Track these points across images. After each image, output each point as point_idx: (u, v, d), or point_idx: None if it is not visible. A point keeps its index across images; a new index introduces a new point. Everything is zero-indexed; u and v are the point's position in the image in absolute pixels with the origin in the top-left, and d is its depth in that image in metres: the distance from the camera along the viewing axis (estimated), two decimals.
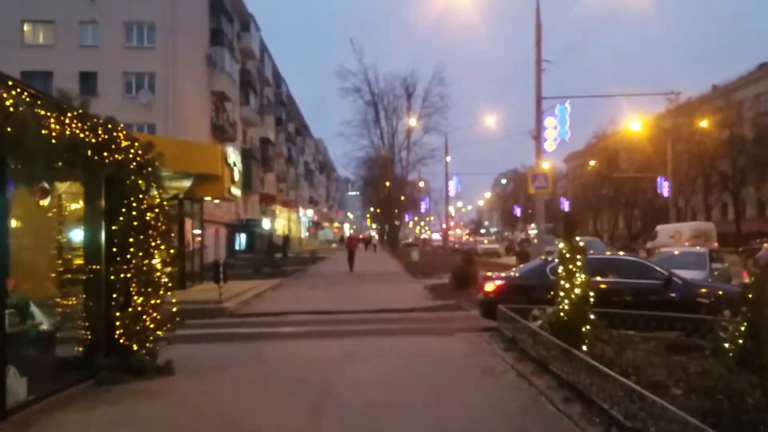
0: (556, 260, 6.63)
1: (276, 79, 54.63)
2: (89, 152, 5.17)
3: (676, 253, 14.19)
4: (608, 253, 15.35)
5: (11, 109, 4.18)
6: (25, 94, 4.60)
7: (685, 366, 5.16)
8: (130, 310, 5.88)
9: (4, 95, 4.22)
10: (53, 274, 6.14)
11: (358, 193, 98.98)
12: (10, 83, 4.50)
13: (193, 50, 31.58)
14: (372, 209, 78.78)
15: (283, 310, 11.82)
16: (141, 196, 5.90)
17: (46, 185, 5.44)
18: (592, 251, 8.44)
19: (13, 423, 4.56)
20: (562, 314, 6.26)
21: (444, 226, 44.84)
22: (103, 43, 29.65)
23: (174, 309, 6.35)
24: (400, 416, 4.89)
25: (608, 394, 4.49)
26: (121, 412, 5.02)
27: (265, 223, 44.80)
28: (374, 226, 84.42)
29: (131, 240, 5.81)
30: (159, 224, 6.04)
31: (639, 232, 50.14)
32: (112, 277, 5.84)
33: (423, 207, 56.00)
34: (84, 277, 5.93)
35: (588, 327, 6.14)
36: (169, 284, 6.25)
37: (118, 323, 5.88)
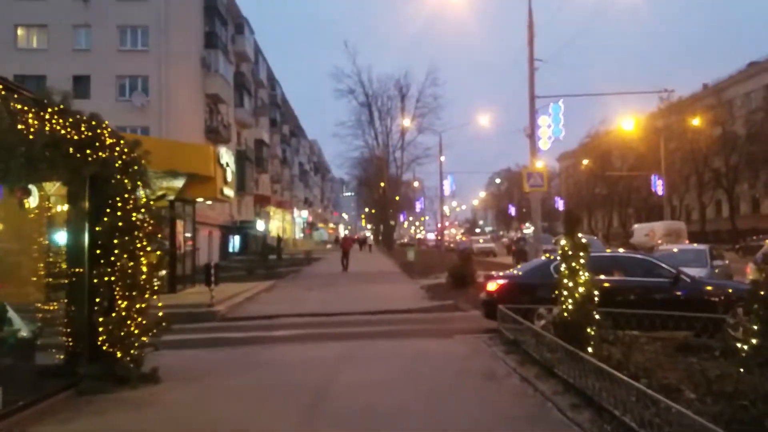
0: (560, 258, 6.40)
1: (270, 81, 54.39)
2: (71, 150, 4.89)
3: (675, 250, 14.00)
4: (608, 251, 15.12)
5: None
6: (0, 87, 4.33)
7: (697, 368, 4.94)
8: (113, 315, 5.59)
9: None
10: (34, 278, 5.86)
11: (352, 193, 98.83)
12: None
13: (188, 53, 31.31)
14: (367, 209, 78.61)
15: (276, 313, 11.54)
16: (126, 195, 5.62)
17: (29, 185, 5.18)
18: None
19: None
20: (565, 314, 6.05)
21: (439, 225, 44.71)
22: (96, 46, 29.41)
23: (160, 314, 6.07)
24: (398, 423, 4.65)
25: (619, 400, 4.26)
26: (103, 424, 4.74)
27: (260, 225, 44.44)
28: (369, 226, 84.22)
29: (116, 242, 5.53)
30: (145, 225, 5.76)
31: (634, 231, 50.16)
32: (96, 281, 5.56)
33: (418, 207, 55.83)
34: (66, 281, 5.65)
35: (593, 327, 5.93)
36: (156, 288, 5.96)
37: (101, 329, 5.60)
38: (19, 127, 4.16)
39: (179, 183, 12.27)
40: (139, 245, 5.70)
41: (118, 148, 5.53)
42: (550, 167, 66.91)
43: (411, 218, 75.19)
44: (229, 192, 15.38)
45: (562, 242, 6.21)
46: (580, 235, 6.35)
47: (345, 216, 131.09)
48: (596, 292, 6.03)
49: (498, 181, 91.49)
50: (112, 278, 5.57)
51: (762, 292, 4.78)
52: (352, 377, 6.13)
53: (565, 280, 6.07)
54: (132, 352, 5.82)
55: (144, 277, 5.79)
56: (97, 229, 5.53)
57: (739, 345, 4.66)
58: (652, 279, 8.19)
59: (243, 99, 40.96)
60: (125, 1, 29.86)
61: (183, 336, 9.01)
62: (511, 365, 6.36)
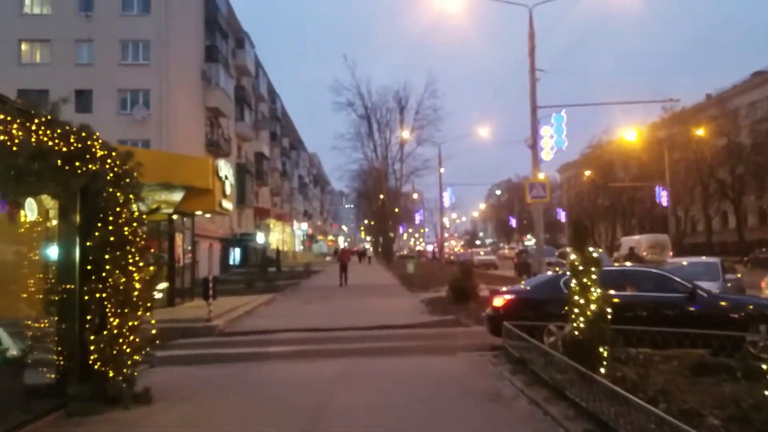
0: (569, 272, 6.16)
1: (270, 94, 54.63)
2: (59, 162, 4.71)
3: (685, 263, 13.61)
4: (616, 264, 14.76)
5: None
6: None
7: (720, 390, 4.67)
8: (105, 333, 5.37)
9: None
10: (24, 295, 5.65)
11: (352, 205, 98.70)
12: None
13: (188, 67, 31.45)
14: (366, 221, 78.40)
15: (274, 328, 11.25)
16: (118, 209, 5.43)
17: (23, 199, 4.99)
18: None
19: None
20: (576, 332, 5.80)
21: (439, 237, 44.46)
22: (98, 60, 29.52)
23: (153, 331, 5.84)
24: None
25: (637, 426, 4.01)
26: None
27: (260, 237, 44.24)
28: (368, 238, 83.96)
29: (107, 257, 5.33)
30: (138, 239, 5.56)
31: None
32: (87, 297, 5.35)
33: (417, 218, 55.63)
34: (56, 297, 5.44)
35: (606, 347, 5.68)
36: (149, 304, 5.74)
37: (92, 347, 5.37)
38: (2, 138, 3.97)
39: (178, 196, 12.10)
40: (131, 260, 5.49)
41: (109, 161, 5.36)
42: (551, 178, 66.74)
43: (410, 230, 74.93)
44: (228, 205, 15.18)
45: (572, 256, 5.97)
46: (591, 249, 6.12)
47: (344, 228, 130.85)
48: (609, 309, 5.79)
49: (498, 192, 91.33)
50: (104, 294, 5.36)
51: None
52: (350, 398, 5.88)
53: (576, 297, 5.83)
54: (124, 371, 5.59)
55: (137, 293, 5.58)
56: (88, 243, 5.33)
57: (765, 366, 4.40)
58: (666, 294, 7.86)
59: (243, 112, 41.08)
60: (127, 16, 30.03)
61: (179, 351, 8.80)
62: (518, 386, 6.09)
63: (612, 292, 7.03)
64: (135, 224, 5.57)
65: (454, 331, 10.59)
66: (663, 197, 38.67)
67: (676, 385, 5.28)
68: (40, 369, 5.60)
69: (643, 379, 5.39)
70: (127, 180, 5.52)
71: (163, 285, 13.33)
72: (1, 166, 4.07)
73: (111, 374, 5.44)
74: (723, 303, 7.88)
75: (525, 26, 16.69)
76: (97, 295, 5.34)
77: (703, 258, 15.88)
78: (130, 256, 5.49)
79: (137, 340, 5.68)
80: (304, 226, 76.69)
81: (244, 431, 4.90)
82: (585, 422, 4.74)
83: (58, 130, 4.66)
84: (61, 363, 5.43)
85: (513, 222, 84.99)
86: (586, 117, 42.21)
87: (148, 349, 5.78)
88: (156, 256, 13.19)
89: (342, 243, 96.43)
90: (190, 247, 14.88)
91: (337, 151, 62.69)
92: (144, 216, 5.80)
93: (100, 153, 5.22)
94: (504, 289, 9.35)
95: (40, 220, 5.62)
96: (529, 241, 72.65)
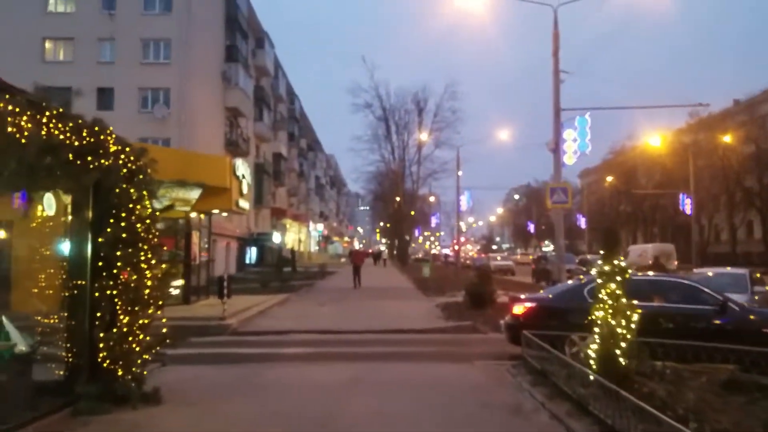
0: (597, 281, 5.87)
1: (289, 95, 54.93)
2: (71, 156, 4.62)
3: (710, 274, 13.05)
4: (640, 274, 14.26)
5: None
6: None
7: (752, 409, 4.37)
8: (115, 330, 5.27)
9: None
10: (35, 290, 5.60)
11: (367, 207, 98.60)
12: None
13: (208, 66, 31.71)
14: (381, 224, 78.20)
15: (287, 329, 11.16)
16: (131, 205, 5.33)
17: (31, 194, 4.93)
18: None
19: None
20: (602, 344, 5.52)
21: (454, 241, 44.08)
22: (120, 59, 29.94)
23: (164, 330, 5.73)
24: None
25: None
26: None
27: (276, 237, 44.42)
28: (384, 240, 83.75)
29: (119, 253, 5.24)
30: (150, 237, 5.46)
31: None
32: (97, 294, 5.26)
33: (433, 222, 55.27)
34: (66, 293, 5.37)
35: (634, 360, 5.40)
36: (161, 302, 5.63)
37: (101, 345, 5.27)
38: (10, 129, 3.87)
39: (195, 194, 12.09)
40: (143, 257, 5.39)
41: (123, 156, 5.26)
42: (572, 184, 65.77)
43: (427, 233, 74.53)
44: (244, 204, 15.18)
45: (599, 262, 5.70)
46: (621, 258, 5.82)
47: (360, 230, 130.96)
48: (636, 320, 5.51)
49: (517, 197, 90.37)
50: (114, 291, 5.26)
51: None
52: (362, 406, 5.67)
53: (603, 306, 5.55)
54: (134, 369, 5.48)
55: (148, 290, 5.47)
56: (99, 240, 5.24)
57: None
58: (695, 306, 7.49)
59: (262, 113, 41.31)
60: (148, 15, 30.40)
61: (192, 350, 8.73)
62: (538, 399, 5.82)
63: (638, 302, 6.73)
64: (148, 221, 5.47)
65: (471, 338, 10.34)
66: (687, 205, 37.69)
67: (708, 403, 4.99)
68: (49, 365, 5.52)
69: (673, 395, 5.11)
70: (141, 176, 5.43)
71: (178, 282, 13.38)
72: (11, 160, 3.99)
73: (120, 373, 5.35)
74: (755, 317, 7.51)
75: (548, 27, 16.42)
76: (108, 292, 5.25)
77: (728, 269, 15.27)
78: (142, 254, 5.39)
79: (148, 338, 5.58)
80: (320, 227, 76.90)
81: None
82: None
83: (70, 124, 4.57)
84: (70, 360, 5.35)
85: (531, 227, 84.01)
86: (607, 122, 41.50)
87: (158, 348, 5.66)
88: (172, 254, 13.30)
89: (357, 245, 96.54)
90: (206, 245, 14.87)
91: (353, 152, 62.96)
92: (157, 213, 5.69)
93: (113, 148, 5.13)
94: (524, 296, 9.04)
95: (53, 215, 5.57)
96: (547, 247, 71.73)
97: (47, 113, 4.32)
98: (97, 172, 4.95)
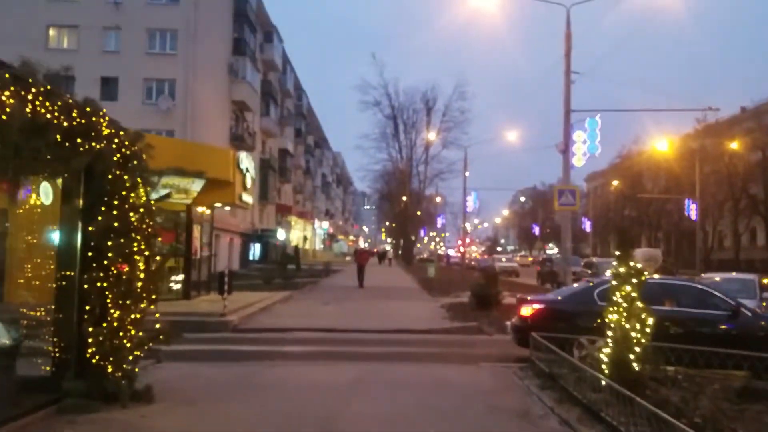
0: (609, 283, 5.63)
1: (297, 91, 54.66)
2: (59, 137, 4.36)
3: (718, 279, 12.85)
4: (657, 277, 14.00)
5: None
6: None
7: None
8: (105, 325, 5.03)
9: None
10: (21, 280, 5.36)
11: (373, 207, 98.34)
12: None
13: (215, 59, 31.46)
14: (387, 223, 77.93)
15: (289, 327, 10.91)
16: (124, 193, 5.08)
17: (17, 178, 4.68)
18: None
19: None
20: (615, 348, 5.25)
21: (460, 242, 43.73)
22: (125, 48, 29.77)
23: (158, 325, 5.48)
24: None
25: None
26: None
27: (281, 234, 44.23)
28: (389, 240, 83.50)
29: (110, 244, 4.99)
30: (144, 227, 5.21)
31: (665, 256, 48.22)
32: (86, 286, 5.01)
33: (439, 222, 54.94)
34: (55, 285, 5.13)
35: (647, 366, 5.14)
36: (154, 296, 5.38)
37: (91, 340, 5.03)
38: None
39: (197, 186, 11.86)
40: (136, 249, 5.14)
41: (116, 140, 5.01)
42: (578, 187, 65.32)
43: (432, 233, 74.16)
44: (248, 198, 14.93)
45: (614, 264, 5.43)
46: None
47: (365, 229, 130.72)
48: (651, 323, 5.25)
49: (522, 199, 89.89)
50: (105, 284, 5.01)
51: None
52: (364, 409, 5.41)
53: (617, 309, 5.29)
54: (124, 366, 5.23)
55: (141, 284, 5.22)
56: (90, 229, 5.00)
57: None
58: (706, 311, 7.32)
59: (269, 107, 41.05)
60: (155, 5, 30.24)
61: (190, 346, 8.43)
62: (547, 404, 5.55)
63: (649, 306, 6.48)
64: (142, 210, 5.22)
65: (476, 339, 10.09)
66: (692, 210, 37.29)
67: (722, 412, 4.77)
68: (35, 360, 5.29)
69: (687, 403, 4.86)
70: (136, 162, 5.18)
71: (179, 277, 13.16)
72: None
73: (110, 370, 5.09)
74: (767, 323, 7.31)
75: (560, 28, 16.11)
76: (98, 284, 5.00)
77: (734, 274, 14.97)
78: (135, 245, 5.13)
79: (141, 334, 5.34)
80: (325, 225, 76.74)
81: None
82: None
83: (59, 103, 4.30)
84: (57, 355, 5.11)
85: (536, 230, 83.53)
86: (614, 127, 41.12)
87: (151, 344, 5.41)
88: (172, 247, 13.12)
89: (362, 244, 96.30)
90: (208, 240, 14.64)
91: (360, 151, 62.76)
92: (152, 202, 5.44)
93: (106, 131, 4.87)
94: (533, 297, 8.79)
95: (40, 202, 5.33)
96: (551, 250, 71.27)
97: (33, 90, 4.07)
98: (88, 156, 4.69)
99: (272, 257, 36.71)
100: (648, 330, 5.26)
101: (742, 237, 44.31)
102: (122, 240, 5.01)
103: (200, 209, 13.49)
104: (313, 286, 21.55)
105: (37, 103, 4.08)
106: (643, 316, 5.28)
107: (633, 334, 5.22)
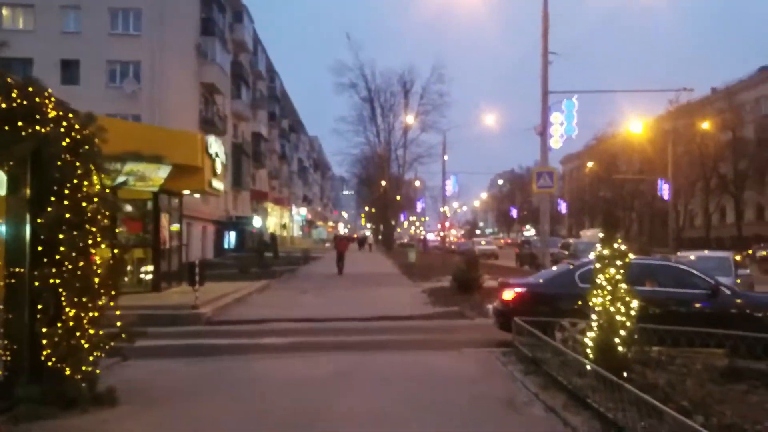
0: (589, 265, 5.49)
1: (269, 73, 53.39)
2: None
3: (693, 258, 12.96)
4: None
5: None
6: None
7: (754, 399, 4.10)
8: (60, 324, 4.64)
9: None
10: None
11: (352, 192, 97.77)
12: None
13: (182, 39, 30.26)
14: (367, 208, 77.56)
15: (266, 317, 10.60)
16: (76, 181, 4.66)
17: None
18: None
19: None
20: (600, 332, 5.13)
21: (440, 226, 43.81)
22: (86, 29, 28.34)
23: (119, 323, 5.11)
24: None
25: None
26: None
27: (256, 221, 43.48)
28: (369, 225, 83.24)
29: (62, 236, 4.58)
30: (100, 217, 4.80)
31: (635, 236, 49.29)
32: (38, 283, 4.61)
33: (419, 206, 54.88)
34: (3, 283, 4.71)
35: (632, 348, 5.04)
36: (113, 292, 5.00)
37: (45, 341, 4.65)
38: None
39: (163, 173, 11.32)
40: (91, 241, 4.74)
41: (65, 123, 4.57)
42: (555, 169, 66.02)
43: (412, 218, 74.19)
44: (219, 185, 14.39)
45: (598, 246, 5.28)
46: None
47: (345, 215, 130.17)
48: (635, 305, 5.14)
49: (501, 182, 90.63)
50: (58, 280, 4.62)
51: None
52: (347, 405, 5.17)
53: (600, 291, 5.15)
54: (83, 368, 4.86)
55: (98, 279, 4.84)
56: (39, 221, 4.57)
57: None
58: (686, 290, 7.30)
59: (240, 90, 39.95)
60: None
61: (159, 341, 8.05)
62: (532, 390, 5.41)
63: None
64: (97, 200, 4.80)
65: (458, 324, 9.97)
66: (665, 191, 38.04)
67: (709, 393, 4.72)
68: None
69: (674, 386, 4.80)
70: (87, 147, 4.74)
71: (149, 268, 12.65)
72: None
73: (68, 372, 4.73)
74: (745, 301, 7.36)
75: (538, 11, 15.86)
76: (51, 280, 4.60)
77: (706, 252, 15.15)
78: (90, 237, 4.73)
79: (100, 333, 4.96)
80: (303, 211, 75.92)
81: None
82: None
83: None
84: (9, 359, 4.71)
85: (514, 213, 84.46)
86: (590, 109, 41.52)
87: (112, 344, 5.04)
88: (138, 238, 12.57)
89: (342, 230, 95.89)
90: (177, 229, 14.09)
91: (337, 134, 61.51)
92: (107, 191, 5.02)
93: (52, 113, 4.43)
94: (514, 281, 8.66)
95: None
96: (528, 232, 72.18)
97: None
98: (33, 141, 4.26)
99: (248, 245, 36.07)
100: (633, 313, 5.15)
101: (712, 216, 45.49)
102: (75, 232, 4.61)
103: (167, 197, 12.95)
104: (292, 275, 21.19)
105: None
106: (627, 299, 5.16)
107: (618, 318, 5.09)
